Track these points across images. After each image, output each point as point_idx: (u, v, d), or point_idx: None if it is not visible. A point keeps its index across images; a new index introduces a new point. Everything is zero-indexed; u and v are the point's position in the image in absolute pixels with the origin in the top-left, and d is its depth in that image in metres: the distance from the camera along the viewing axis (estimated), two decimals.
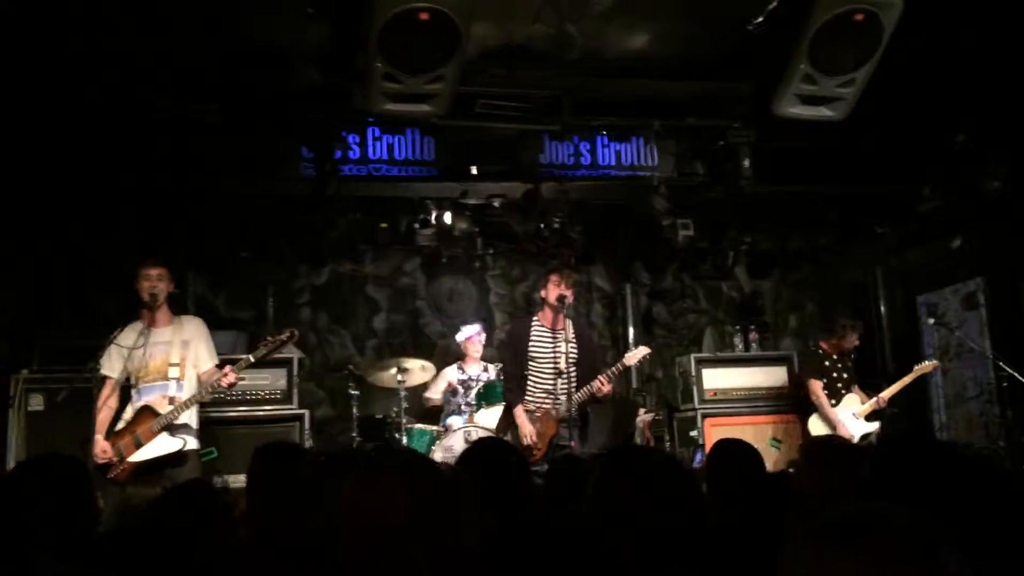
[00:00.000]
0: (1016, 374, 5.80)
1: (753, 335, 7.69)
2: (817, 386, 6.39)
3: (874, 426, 6.30)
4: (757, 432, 6.66)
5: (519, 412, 5.41)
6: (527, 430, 5.33)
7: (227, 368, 4.73)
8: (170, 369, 4.74)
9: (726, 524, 2.79)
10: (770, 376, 7.02)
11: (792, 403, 6.89)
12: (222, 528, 2.10)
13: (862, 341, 6.66)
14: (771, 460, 6.50)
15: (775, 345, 8.17)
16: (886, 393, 6.37)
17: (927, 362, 6.48)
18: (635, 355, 5.55)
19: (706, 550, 2.36)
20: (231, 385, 4.76)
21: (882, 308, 8.06)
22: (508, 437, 5.30)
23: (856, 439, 6.10)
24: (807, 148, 6.81)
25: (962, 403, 6.97)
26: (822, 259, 8.48)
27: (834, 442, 4.23)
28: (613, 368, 5.46)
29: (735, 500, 2.71)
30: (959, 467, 2.31)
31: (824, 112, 5.19)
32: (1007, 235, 6.65)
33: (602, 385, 5.26)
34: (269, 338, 4.94)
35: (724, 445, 2.94)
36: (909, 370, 6.48)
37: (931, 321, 7.04)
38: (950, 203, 7.04)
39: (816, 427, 6.34)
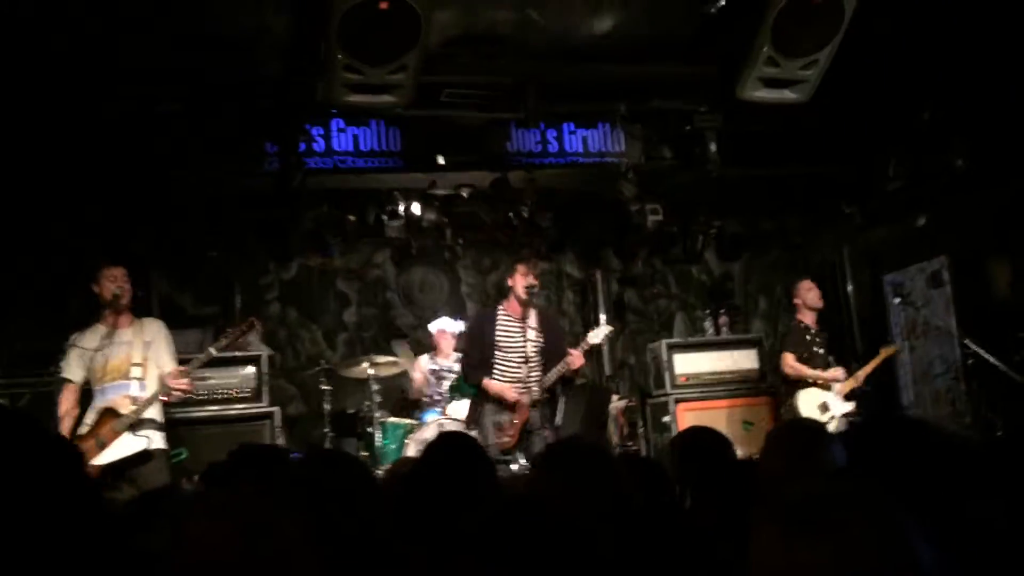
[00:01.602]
0: (981, 351, 5.86)
1: (723, 319, 7.73)
2: (790, 357, 6.32)
3: (851, 405, 6.21)
4: (729, 415, 6.70)
5: (489, 383, 5.37)
6: (509, 394, 5.30)
7: (178, 371, 4.68)
8: (132, 368, 4.68)
9: (697, 512, 2.80)
10: (741, 359, 7.05)
11: (765, 385, 6.92)
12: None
13: (831, 320, 6.62)
14: (744, 443, 6.54)
15: (746, 328, 8.22)
16: (862, 373, 6.31)
17: (891, 345, 6.49)
18: (598, 332, 5.54)
19: (679, 537, 2.37)
20: (185, 392, 4.73)
21: (850, 287, 8.14)
22: (475, 433, 5.26)
23: (837, 417, 6.07)
24: (773, 130, 6.83)
25: (929, 380, 7.06)
26: (791, 240, 8.54)
27: (800, 425, 4.24)
28: (579, 347, 5.42)
29: (703, 488, 2.71)
30: (932, 446, 2.34)
31: (787, 95, 5.20)
32: (971, 213, 6.72)
33: (575, 359, 5.23)
34: (229, 329, 4.90)
35: (689, 433, 2.94)
36: (876, 351, 6.52)
37: (897, 300, 7.09)
38: (915, 182, 7.10)
39: (804, 405, 6.21)
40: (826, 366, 6.35)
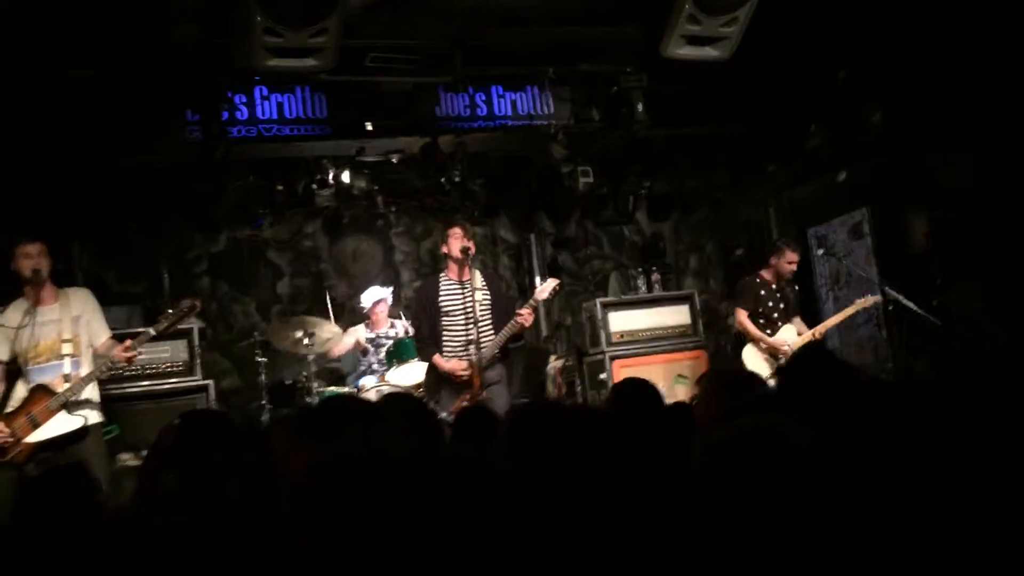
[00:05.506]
0: (900, 297, 6.09)
1: (656, 277, 7.87)
2: (742, 315, 6.33)
3: None
4: (664, 370, 6.84)
5: (438, 359, 5.45)
6: (455, 366, 5.36)
7: (127, 342, 4.56)
8: (63, 346, 4.55)
9: (635, 458, 2.88)
10: (673, 315, 7.19)
11: (697, 340, 7.08)
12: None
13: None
14: (678, 396, 6.70)
15: (677, 285, 8.39)
16: (822, 327, 6.36)
17: (869, 296, 6.36)
18: (545, 288, 5.60)
19: (620, 483, 2.44)
20: (131, 360, 4.61)
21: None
22: (439, 401, 5.31)
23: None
24: (698, 91, 6.94)
25: (853, 329, 7.31)
26: (717, 199, 8.72)
27: (729, 371, 4.37)
28: (528, 304, 5.50)
29: (640, 435, 2.79)
30: (857, 388, 2.46)
31: (709, 52, 5.29)
32: (889, 166, 6.95)
33: (526, 317, 5.33)
34: (170, 310, 4.79)
35: (622, 385, 3.03)
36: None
37: (820, 252, 7.32)
38: (835, 138, 7.31)
39: (750, 358, 6.27)
40: (787, 319, 6.33)
